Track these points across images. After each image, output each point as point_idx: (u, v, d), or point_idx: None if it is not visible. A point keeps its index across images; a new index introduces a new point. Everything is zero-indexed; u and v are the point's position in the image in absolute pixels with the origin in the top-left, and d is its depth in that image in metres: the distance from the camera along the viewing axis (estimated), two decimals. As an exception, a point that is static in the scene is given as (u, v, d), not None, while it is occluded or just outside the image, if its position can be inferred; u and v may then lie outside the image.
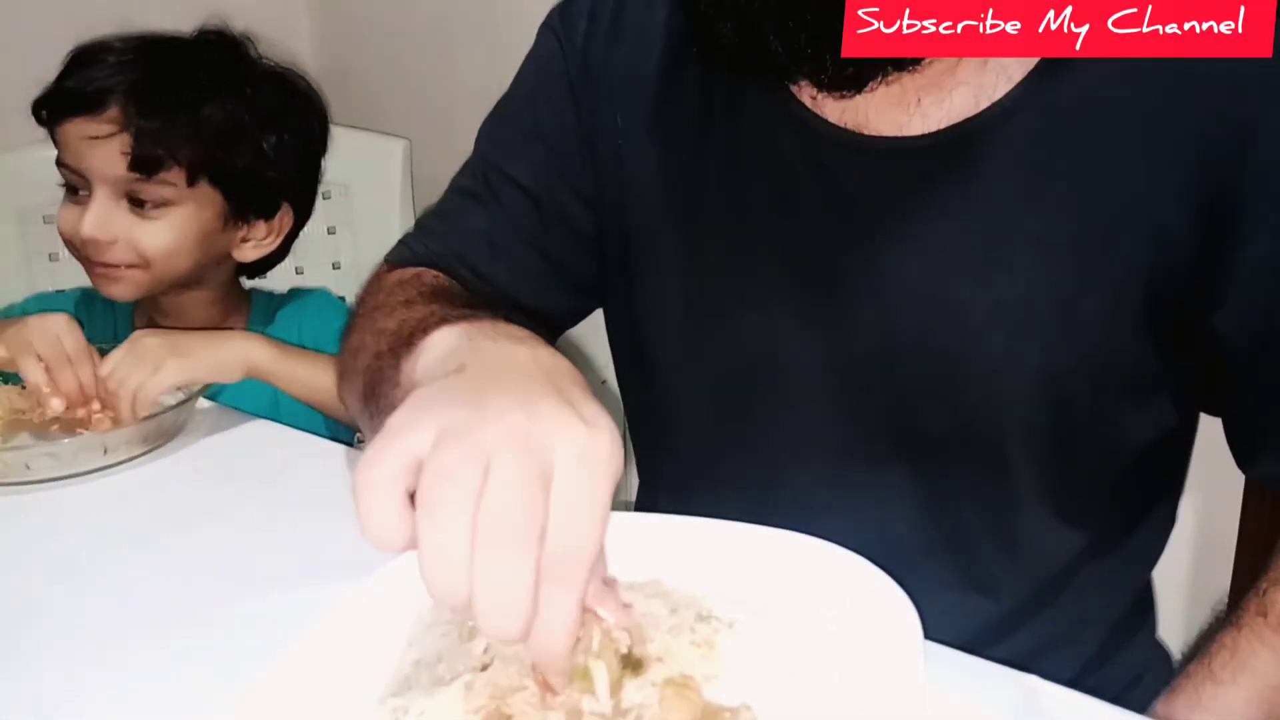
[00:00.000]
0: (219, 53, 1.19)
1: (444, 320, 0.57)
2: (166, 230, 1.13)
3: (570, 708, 0.49)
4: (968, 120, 0.69)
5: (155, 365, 0.94)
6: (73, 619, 0.72)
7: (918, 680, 0.52)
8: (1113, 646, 0.83)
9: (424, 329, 0.58)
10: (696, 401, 0.80)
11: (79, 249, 1.15)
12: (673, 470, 0.88)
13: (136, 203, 1.12)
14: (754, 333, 0.76)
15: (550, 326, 0.89)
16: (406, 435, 0.44)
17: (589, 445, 0.44)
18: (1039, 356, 0.69)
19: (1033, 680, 0.61)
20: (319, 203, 1.41)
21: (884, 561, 0.59)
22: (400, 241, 0.89)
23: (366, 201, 1.42)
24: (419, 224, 0.89)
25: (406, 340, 0.60)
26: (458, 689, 0.51)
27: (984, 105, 0.68)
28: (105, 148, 1.09)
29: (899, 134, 0.70)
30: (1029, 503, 0.74)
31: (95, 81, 1.11)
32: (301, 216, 1.26)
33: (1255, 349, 0.69)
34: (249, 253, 1.22)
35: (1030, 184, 0.68)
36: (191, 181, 1.13)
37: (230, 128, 1.14)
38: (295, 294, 1.32)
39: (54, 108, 1.13)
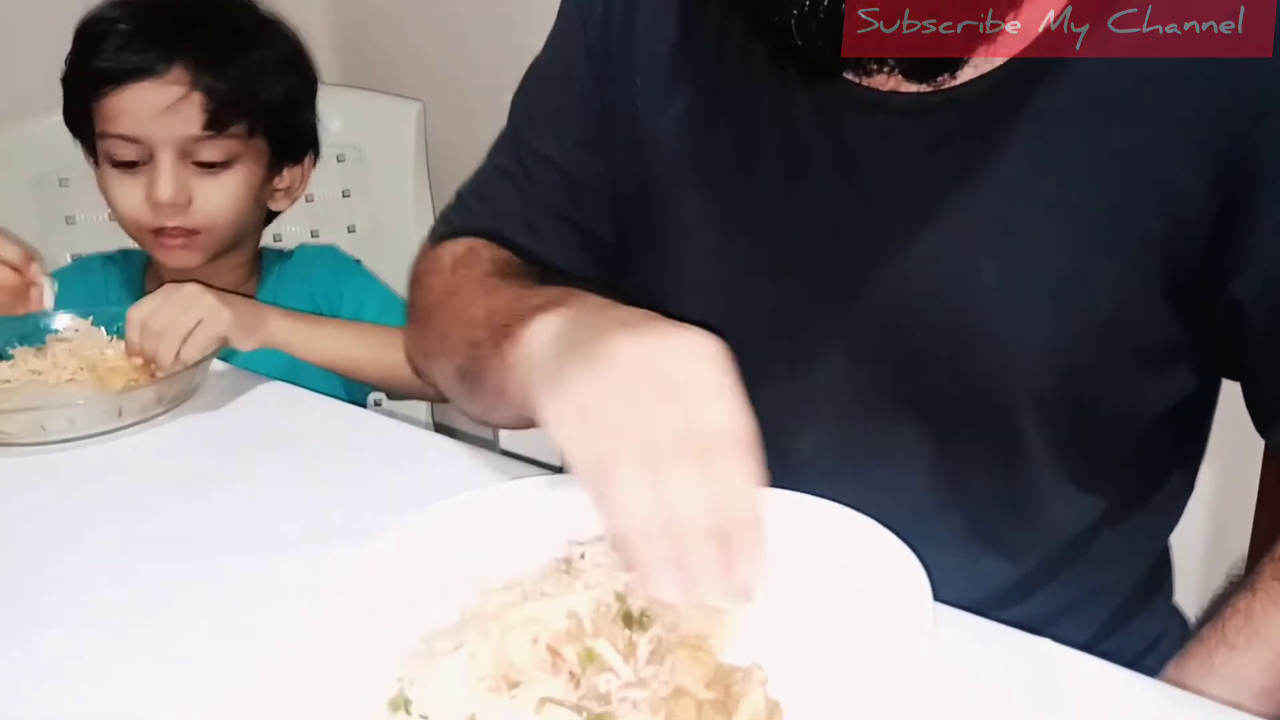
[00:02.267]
0: (222, 4, 1.19)
1: (537, 309, 0.65)
2: (231, 187, 1.16)
3: (597, 695, 0.49)
4: (980, 78, 0.68)
5: (211, 307, 0.96)
6: (86, 579, 0.72)
7: (928, 643, 0.52)
8: (1129, 611, 0.83)
9: (520, 318, 0.65)
10: None
11: (143, 222, 1.15)
12: None
13: (200, 163, 1.13)
14: (766, 295, 0.76)
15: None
16: (597, 470, 0.53)
17: (699, 348, 0.55)
18: (1050, 323, 0.69)
19: (1045, 645, 0.61)
20: (333, 166, 1.41)
21: (897, 523, 0.59)
22: (441, 218, 0.91)
23: (380, 164, 1.42)
24: (459, 198, 0.91)
25: (503, 330, 0.66)
26: (463, 657, 0.51)
27: (998, 64, 0.67)
28: (177, 110, 1.10)
29: (912, 93, 0.69)
30: (1041, 468, 0.73)
31: (160, 40, 1.11)
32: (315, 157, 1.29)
33: (1275, 317, 0.68)
34: (280, 203, 1.25)
35: (1043, 147, 0.67)
36: (251, 132, 1.15)
37: (269, 73, 1.17)
38: (302, 250, 1.33)
39: (102, 80, 1.12)
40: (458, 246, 0.85)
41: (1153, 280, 0.67)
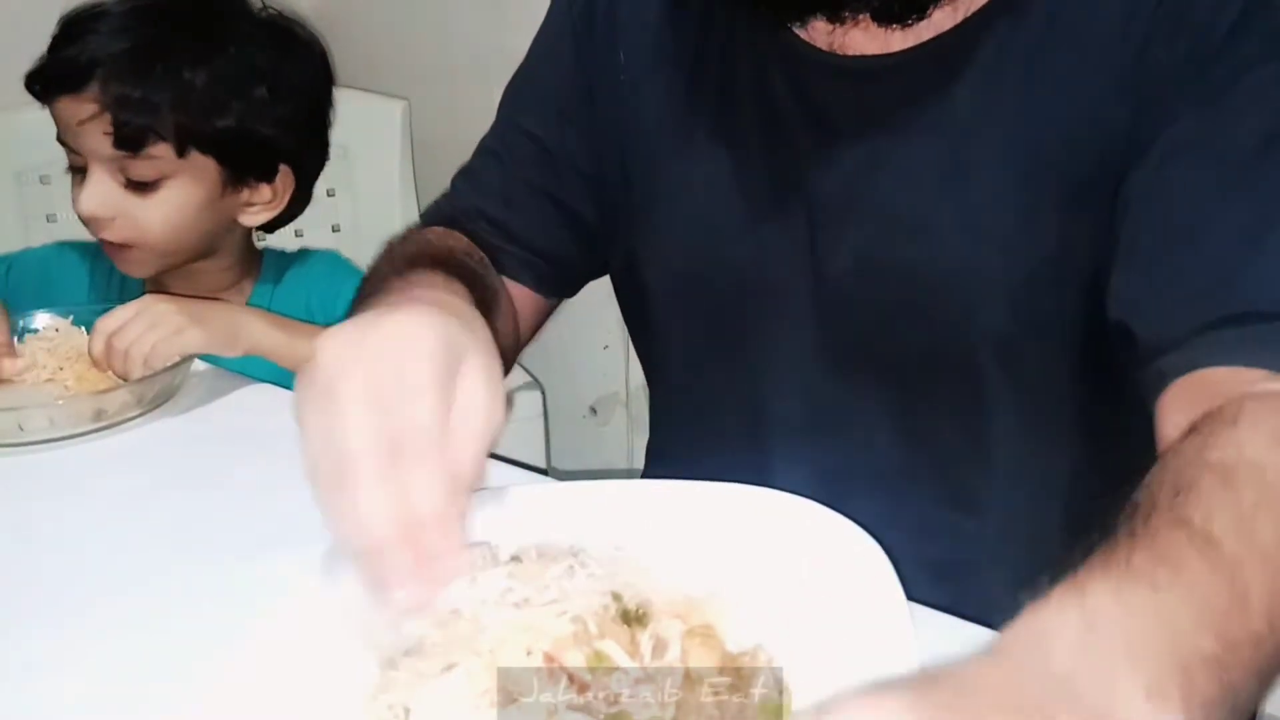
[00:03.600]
0: (203, 10, 1.14)
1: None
2: (164, 206, 1.10)
3: (607, 696, 0.49)
4: (941, 36, 0.70)
5: (176, 329, 0.93)
6: (64, 580, 0.71)
7: (906, 622, 0.52)
8: None
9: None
10: (691, 331, 0.83)
11: (89, 227, 1.13)
12: (674, 403, 0.91)
13: (132, 180, 1.09)
14: (743, 257, 0.78)
15: (575, 274, 0.91)
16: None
17: (396, 335, 0.51)
18: (1001, 263, 0.71)
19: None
20: (317, 165, 1.40)
21: (870, 482, 0.60)
22: (434, 201, 0.92)
23: (366, 163, 1.41)
24: (451, 183, 0.92)
25: None
26: (459, 677, 0.50)
27: (960, 20, 0.70)
28: (91, 128, 1.07)
29: (882, 53, 0.72)
30: (1005, 419, 0.75)
31: (81, 56, 1.07)
32: (311, 171, 1.22)
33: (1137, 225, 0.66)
34: (255, 217, 1.18)
35: (992, 95, 0.70)
36: (181, 153, 1.09)
37: (215, 90, 1.10)
38: (305, 254, 1.30)
39: (44, 85, 1.10)
40: (409, 233, 0.86)
41: (1096, 213, 0.69)
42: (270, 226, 1.24)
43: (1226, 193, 0.63)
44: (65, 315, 1.03)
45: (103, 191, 1.09)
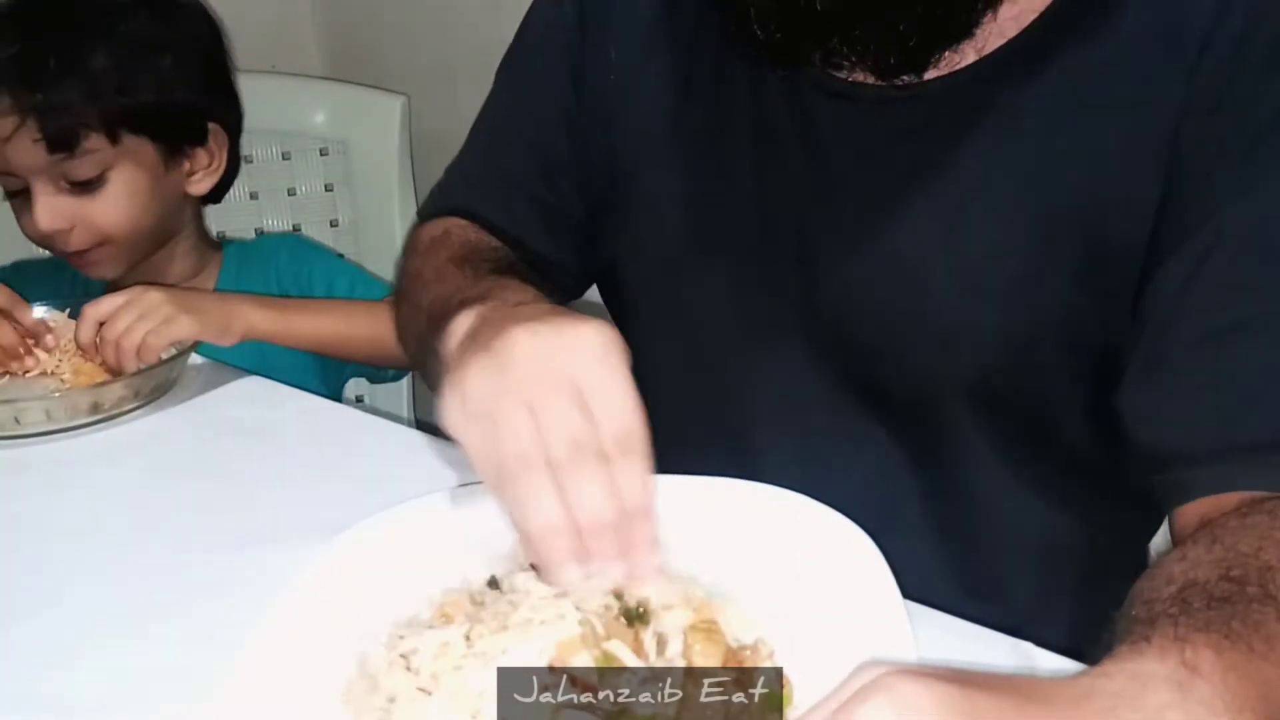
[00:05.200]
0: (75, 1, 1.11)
1: (463, 304, 0.65)
2: (116, 198, 1.09)
3: (613, 695, 0.49)
4: (951, 75, 0.67)
5: (166, 318, 0.93)
6: (62, 573, 0.71)
7: (904, 622, 0.52)
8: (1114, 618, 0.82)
9: (450, 312, 0.65)
10: (670, 347, 0.81)
11: (49, 247, 1.13)
12: (657, 416, 0.88)
13: (76, 182, 1.07)
14: (726, 275, 0.76)
15: (580, 278, 0.90)
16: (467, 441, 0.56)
17: (593, 343, 0.56)
18: (998, 324, 0.68)
19: (1027, 646, 0.60)
20: (316, 160, 1.40)
21: (856, 512, 0.59)
22: (429, 195, 0.91)
23: (365, 158, 1.41)
24: (446, 174, 0.91)
25: (437, 323, 0.67)
26: (447, 693, 0.49)
27: (976, 59, 0.67)
28: (18, 141, 1.05)
29: (881, 84, 0.68)
30: (989, 467, 0.73)
31: None
32: (235, 124, 1.20)
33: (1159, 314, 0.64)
34: (200, 185, 1.17)
35: (1006, 147, 0.66)
36: (114, 140, 1.08)
37: (123, 71, 1.08)
38: (263, 240, 1.29)
39: None
40: (436, 227, 0.85)
41: (1108, 288, 0.66)
42: (217, 194, 1.21)
43: (1267, 299, 0.61)
44: (62, 309, 1.03)
45: (53, 204, 1.07)
